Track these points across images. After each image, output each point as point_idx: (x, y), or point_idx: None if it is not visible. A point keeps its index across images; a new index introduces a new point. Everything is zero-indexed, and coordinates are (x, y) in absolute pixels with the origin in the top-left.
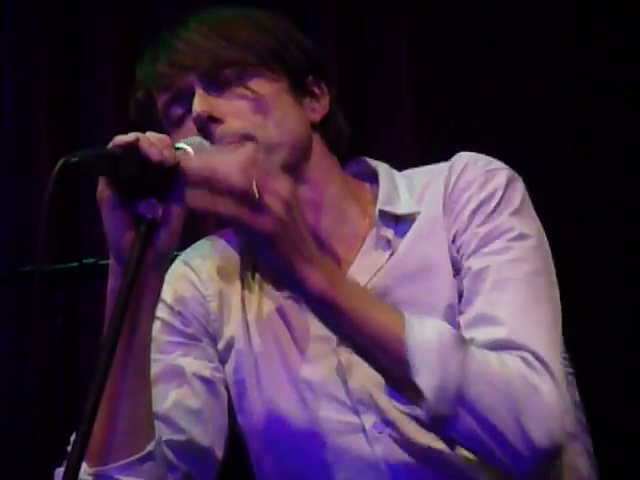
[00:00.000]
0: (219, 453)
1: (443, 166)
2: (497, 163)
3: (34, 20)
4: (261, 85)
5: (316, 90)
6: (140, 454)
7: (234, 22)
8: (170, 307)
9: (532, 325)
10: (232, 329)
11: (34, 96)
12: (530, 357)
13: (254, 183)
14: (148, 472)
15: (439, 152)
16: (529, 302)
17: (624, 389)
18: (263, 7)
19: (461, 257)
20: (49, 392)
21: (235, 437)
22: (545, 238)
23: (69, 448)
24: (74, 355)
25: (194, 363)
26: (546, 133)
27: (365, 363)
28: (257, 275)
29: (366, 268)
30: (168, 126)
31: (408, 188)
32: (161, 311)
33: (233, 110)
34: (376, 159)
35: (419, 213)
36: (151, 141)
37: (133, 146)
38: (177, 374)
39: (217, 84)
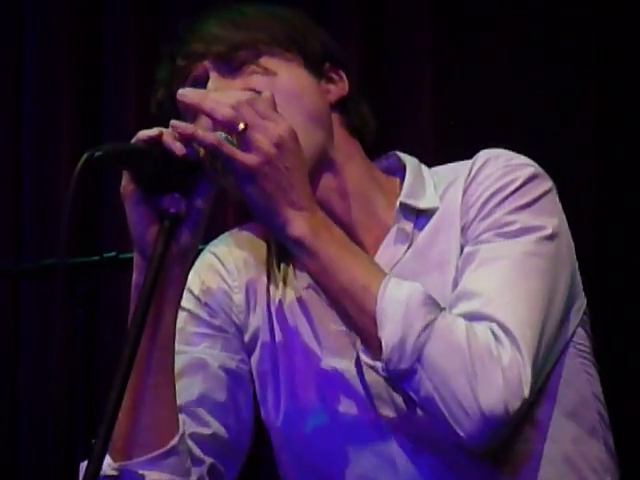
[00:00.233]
0: (244, 445)
1: (468, 162)
2: (522, 159)
3: (55, 20)
4: (275, 63)
5: (333, 75)
6: (164, 449)
7: (249, 12)
8: (197, 298)
9: (509, 298)
10: (257, 320)
11: (56, 94)
12: (496, 328)
13: (243, 119)
14: (172, 466)
15: (459, 152)
16: (512, 277)
17: None
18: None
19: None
20: (70, 385)
21: (261, 429)
22: (566, 235)
23: (93, 442)
24: (95, 348)
25: (220, 355)
26: (565, 132)
27: None
28: (282, 266)
29: (385, 262)
30: (188, 119)
31: (435, 183)
32: (188, 302)
33: (248, 88)
34: None
35: (439, 208)
36: (176, 130)
37: (157, 141)
38: (203, 367)
39: (231, 67)
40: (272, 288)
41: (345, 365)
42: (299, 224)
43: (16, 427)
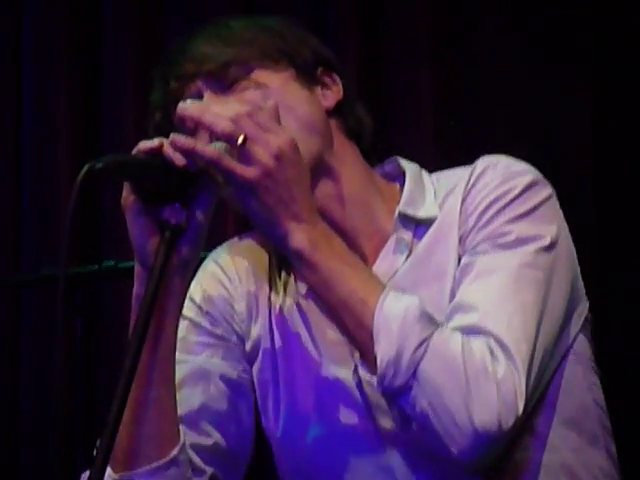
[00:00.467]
0: (246, 455)
1: (468, 169)
2: (520, 166)
3: (54, 28)
4: (266, 77)
5: (327, 80)
6: (165, 459)
7: (236, 27)
8: (198, 307)
9: (505, 312)
10: (259, 329)
11: (54, 104)
12: (493, 343)
13: (242, 132)
14: (173, 477)
15: (458, 154)
16: (509, 290)
17: None
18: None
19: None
20: (70, 395)
21: (261, 438)
22: (566, 242)
23: (94, 453)
24: (94, 357)
25: (222, 364)
26: (565, 134)
27: None
28: (283, 274)
29: (384, 271)
30: (187, 133)
31: (435, 191)
32: (189, 311)
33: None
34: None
35: (438, 217)
36: (176, 144)
37: (157, 152)
38: (204, 376)
39: (224, 84)
40: (273, 297)
41: (344, 375)
42: (299, 236)
43: (16, 435)
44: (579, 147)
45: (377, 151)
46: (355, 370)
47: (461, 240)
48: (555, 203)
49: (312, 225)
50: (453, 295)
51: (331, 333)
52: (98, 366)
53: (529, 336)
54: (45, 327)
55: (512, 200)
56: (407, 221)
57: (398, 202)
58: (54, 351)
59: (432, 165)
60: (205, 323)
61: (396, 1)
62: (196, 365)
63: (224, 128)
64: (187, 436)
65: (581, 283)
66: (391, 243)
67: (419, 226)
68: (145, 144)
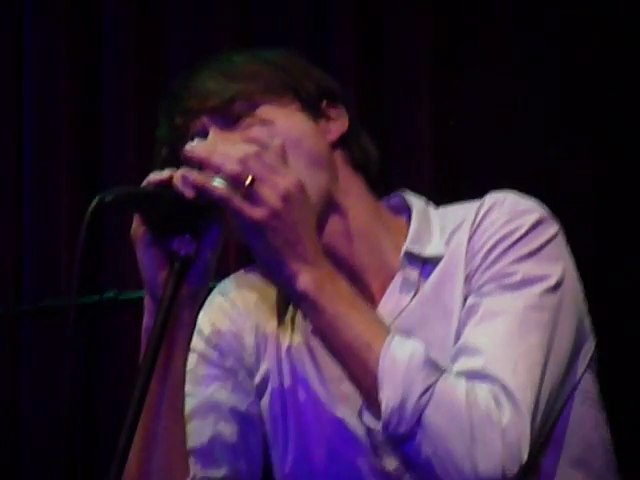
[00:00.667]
0: None
1: (474, 205)
2: (527, 203)
3: (54, 49)
4: (270, 112)
5: (331, 112)
6: None
7: (239, 61)
8: (207, 340)
9: (510, 357)
10: (267, 364)
11: (55, 127)
12: (498, 389)
13: (250, 173)
14: None
15: (458, 187)
16: (514, 334)
17: None
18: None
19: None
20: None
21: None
22: (572, 282)
23: None
24: (94, 387)
25: (230, 397)
26: (565, 162)
27: None
28: (290, 310)
29: (390, 310)
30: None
31: (441, 227)
32: (198, 343)
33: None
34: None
35: (444, 256)
36: (186, 180)
37: (167, 184)
38: (213, 409)
39: (228, 120)
40: (281, 332)
41: (350, 413)
42: (304, 278)
43: (18, 462)
44: (578, 166)
45: (382, 181)
46: (361, 410)
47: (467, 279)
48: (562, 241)
49: (318, 267)
50: (459, 335)
51: (338, 372)
52: (99, 395)
53: (534, 381)
54: (45, 358)
55: (518, 240)
56: (413, 259)
57: (404, 237)
58: (55, 382)
59: (432, 197)
60: (214, 356)
61: (396, 29)
62: (205, 397)
63: (232, 170)
64: (197, 468)
65: (588, 321)
66: (397, 281)
67: (425, 264)
68: (155, 176)
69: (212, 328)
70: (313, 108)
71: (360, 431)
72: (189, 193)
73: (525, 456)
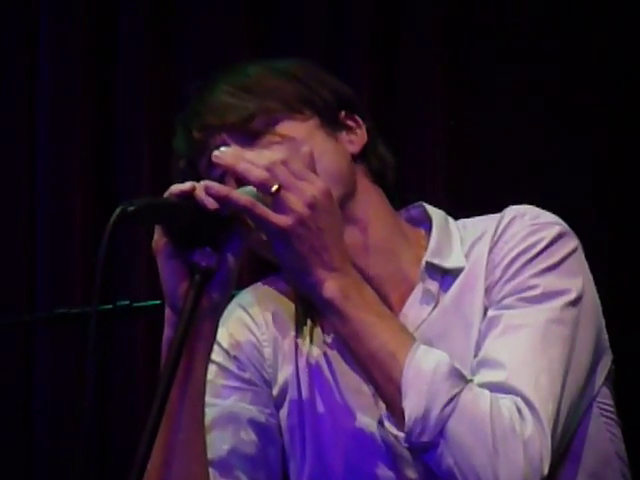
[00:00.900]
0: None
1: (495, 218)
2: (548, 217)
3: (68, 75)
4: (290, 128)
5: (351, 123)
6: None
7: (256, 74)
8: (226, 351)
9: (532, 370)
10: (285, 375)
11: (69, 138)
12: (521, 402)
13: (277, 180)
14: None
15: (471, 201)
16: (536, 347)
17: None
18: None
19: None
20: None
21: None
22: (591, 296)
23: None
24: (106, 396)
25: (250, 408)
26: (581, 177)
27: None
28: (309, 322)
29: (410, 322)
30: (214, 176)
31: (461, 239)
32: (217, 355)
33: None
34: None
35: (465, 268)
36: (209, 191)
37: (189, 195)
38: (233, 420)
39: (248, 137)
40: (299, 344)
41: (369, 424)
42: (330, 286)
43: (30, 469)
44: (595, 192)
45: (400, 190)
46: (380, 420)
47: (487, 291)
48: (581, 255)
49: (344, 274)
50: (478, 347)
51: (356, 382)
52: (111, 403)
53: (555, 394)
54: (58, 367)
55: (539, 253)
56: (434, 271)
57: (424, 249)
58: (68, 389)
59: (444, 202)
60: (233, 367)
61: (410, 54)
62: (225, 409)
63: (258, 176)
64: (216, 479)
65: (605, 335)
66: (417, 293)
67: (446, 276)
68: (177, 187)
69: (231, 340)
70: (332, 121)
71: (379, 442)
72: (211, 204)
73: (546, 469)
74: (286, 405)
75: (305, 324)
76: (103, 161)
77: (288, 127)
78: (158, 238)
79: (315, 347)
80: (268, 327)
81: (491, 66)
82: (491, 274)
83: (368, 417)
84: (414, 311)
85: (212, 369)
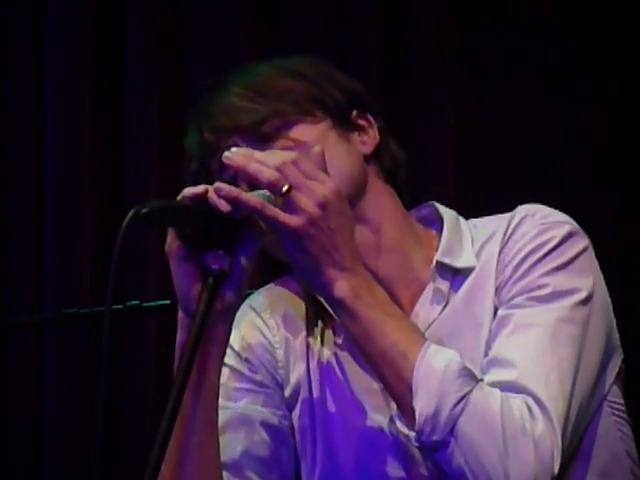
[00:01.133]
0: None
1: (505, 218)
2: (558, 216)
3: (77, 74)
4: (303, 132)
5: (363, 123)
6: None
7: (267, 75)
8: (238, 354)
9: (542, 370)
10: (297, 376)
11: (78, 139)
12: (531, 401)
13: (287, 181)
14: None
15: (480, 202)
16: (546, 347)
17: None
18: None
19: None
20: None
21: None
22: (601, 295)
23: None
24: (115, 396)
25: (262, 411)
26: (587, 177)
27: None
28: (319, 323)
29: (421, 321)
30: (225, 177)
31: (472, 239)
32: (229, 358)
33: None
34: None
35: (475, 268)
36: (220, 192)
37: (202, 198)
38: (245, 422)
39: (260, 140)
40: (310, 345)
41: (380, 424)
42: (341, 285)
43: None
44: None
45: (410, 188)
46: (391, 419)
47: (497, 291)
48: (591, 254)
49: (355, 274)
50: (489, 347)
51: (367, 382)
52: (120, 403)
53: (565, 393)
54: (67, 367)
55: (549, 252)
56: (444, 270)
57: (435, 249)
58: (77, 391)
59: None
60: (245, 370)
61: (419, 52)
62: (237, 412)
63: (269, 177)
64: None
65: (616, 334)
66: (428, 293)
67: (456, 276)
68: (190, 190)
69: (242, 342)
70: (344, 122)
71: (390, 441)
72: (224, 207)
73: (557, 468)
74: (298, 406)
75: (316, 325)
76: (112, 161)
77: (300, 131)
78: (171, 241)
79: (326, 348)
80: (279, 329)
81: (500, 65)
82: (501, 273)
83: (379, 417)
84: (425, 311)
85: (224, 372)
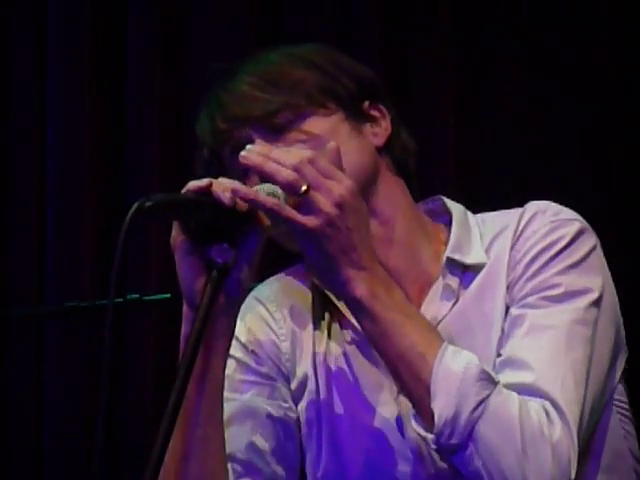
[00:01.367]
0: None
1: (515, 214)
2: (568, 213)
3: (78, 74)
4: (315, 124)
5: (375, 113)
6: None
7: (279, 64)
8: (244, 346)
9: (558, 372)
10: (304, 369)
11: (78, 134)
12: (549, 405)
13: (305, 181)
14: None
15: (479, 201)
16: (561, 349)
17: None
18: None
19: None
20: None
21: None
22: (610, 294)
23: None
24: (116, 389)
25: (268, 403)
26: (588, 176)
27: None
28: (326, 316)
29: (430, 318)
30: (235, 178)
31: (481, 234)
32: (235, 350)
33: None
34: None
35: (486, 264)
36: (224, 186)
37: (206, 191)
38: (251, 415)
39: (273, 131)
40: (317, 338)
41: (386, 420)
42: (358, 285)
43: (41, 464)
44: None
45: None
46: (400, 417)
47: (509, 288)
48: (600, 252)
49: (372, 273)
50: (500, 344)
51: (374, 377)
52: (120, 396)
53: (580, 396)
54: (67, 360)
55: (561, 251)
56: (454, 267)
57: (443, 243)
58: (77, 383)
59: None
60: (251, 362)
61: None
62: (243, 404)
63: (287, 177)
64: (235, 474)
65: (623, 332)
66: (438, 288)
67: (466, 272)
68: (194, 183)
69: (249, 334)
70: (356, 113)
71: (396, 438)
72: (228, 200)
73: (574, 472)
74: (304, 399)
75: (323, 318)
76: (112, 161)
77: (313, 123)
78: (176, 235)
79: (333, 341)
80: (286, 321)
81: (500, 65)
82: (513, 271)
83: (386, 412)
84: (434, 307)
85: (230, 364)
